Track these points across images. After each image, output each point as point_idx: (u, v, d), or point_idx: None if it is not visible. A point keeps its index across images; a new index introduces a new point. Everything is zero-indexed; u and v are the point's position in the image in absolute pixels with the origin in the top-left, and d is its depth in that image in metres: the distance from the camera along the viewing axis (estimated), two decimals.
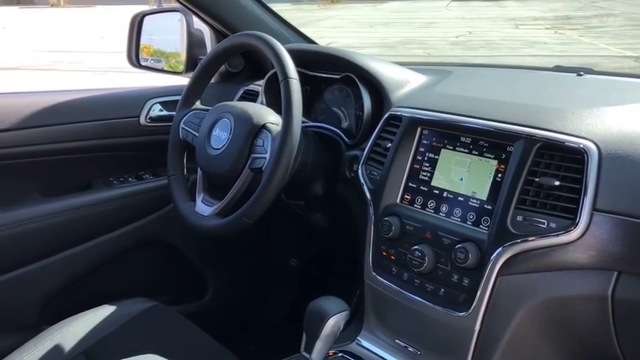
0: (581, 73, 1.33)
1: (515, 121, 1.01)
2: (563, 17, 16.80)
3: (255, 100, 1.52)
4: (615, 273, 0.89)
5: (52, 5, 25.85)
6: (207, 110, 1.29)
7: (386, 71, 1.31)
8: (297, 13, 19.27)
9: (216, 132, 1.22)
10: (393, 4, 23.02)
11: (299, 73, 1.46)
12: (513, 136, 1.00)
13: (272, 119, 1.19)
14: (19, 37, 14.36)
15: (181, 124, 1.31)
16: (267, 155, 1.14)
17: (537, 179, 0.95)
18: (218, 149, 1.21)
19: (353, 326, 1.24)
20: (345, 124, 1.42)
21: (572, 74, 1.34)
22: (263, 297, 1.93)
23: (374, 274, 1.15)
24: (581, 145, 0.92)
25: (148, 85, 1.68)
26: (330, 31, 15.04)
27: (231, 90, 1.66)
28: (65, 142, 1.49)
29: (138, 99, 1.59)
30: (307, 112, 1.51)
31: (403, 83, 1.30)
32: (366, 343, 1.19)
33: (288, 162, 1.11)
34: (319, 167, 1.34)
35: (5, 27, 16.62)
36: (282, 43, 1.60)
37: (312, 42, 1.75)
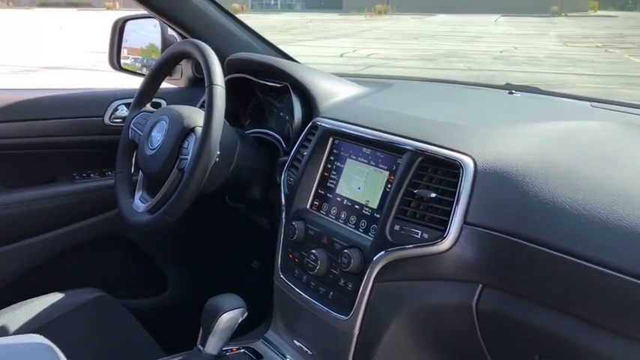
0: (513, 91, 1.34)
1: (406, 134, 1.04)
2: (616, 35, 16.38)
3: None
4: (480, 285, 0.92)
5: (108, 8, 26.78)
6: (152, 112, 1.35)
7: (319, 82, 1.35)
8: (344, 23, 19.37)
9: (154, 133, 1.29)
10: (441, 17, 22.88)
11: (248, 80, 1.52)
12: (402, 149, 1.03)
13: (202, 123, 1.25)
14: (73, 37, 14.92)
15: (131, 125, 1.38)
16: (189, 157, 1.20)
17: (416, 191, 0.98)
18: (153, 149, 1.27)
19: (265, 325, 1.28)
20: (286, 131, 1.47)
21: (505, 91, 1.35)
22: None
23: (281, 275, 1.20)
24: (458, 160, 0.94)
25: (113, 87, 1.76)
26: (374, 42, 15.10)
27: (198, 94, 1.72)
28: (30, 137, 1.56)
29: (103, 99, 1.66)
30: (258, 118, 1.56)
31: (334, 94, 1.33)
32: (270, 341, 1.24)
33: (206, 163, 1.16)
34: (256, 172, 1.39)
35: (62, 28, 17.30)
36: (249, 52, 1.65)
37: (282, 52, 1.78)
